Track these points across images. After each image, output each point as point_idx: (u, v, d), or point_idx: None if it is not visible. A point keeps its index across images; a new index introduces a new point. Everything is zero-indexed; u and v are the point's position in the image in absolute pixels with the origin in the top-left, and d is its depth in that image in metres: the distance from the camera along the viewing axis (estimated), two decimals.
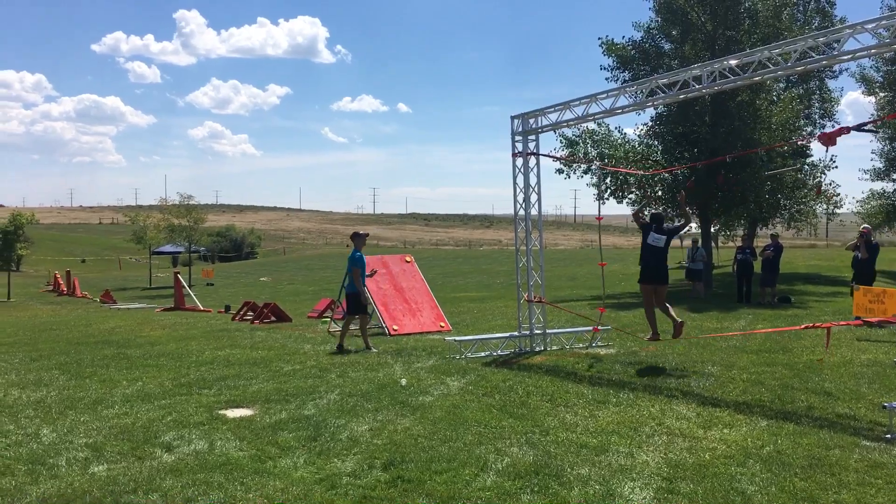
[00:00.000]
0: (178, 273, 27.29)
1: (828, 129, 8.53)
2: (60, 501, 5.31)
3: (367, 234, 12.99)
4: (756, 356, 10.97)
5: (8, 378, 10.41)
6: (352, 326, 13.22)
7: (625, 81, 23.95)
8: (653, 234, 10.86)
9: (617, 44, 24.88)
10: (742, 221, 28.26)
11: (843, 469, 5.71)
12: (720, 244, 34.32)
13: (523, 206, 12.30)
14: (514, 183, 12.34)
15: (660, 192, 25.00)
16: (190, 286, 27.74)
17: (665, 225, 11.09)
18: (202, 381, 9.78)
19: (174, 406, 8.31)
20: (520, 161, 12.26)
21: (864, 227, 16.06)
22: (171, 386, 9.53)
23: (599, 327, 12.37)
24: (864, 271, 15.03)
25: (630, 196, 24.57)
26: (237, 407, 8.28)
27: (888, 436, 6.54)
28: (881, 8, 30.97)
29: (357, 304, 12.76)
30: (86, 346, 13.84)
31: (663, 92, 10.36)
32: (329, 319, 16.60)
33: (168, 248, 45.90)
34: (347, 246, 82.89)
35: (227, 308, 22.52)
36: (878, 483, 5.39)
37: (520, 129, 12.17)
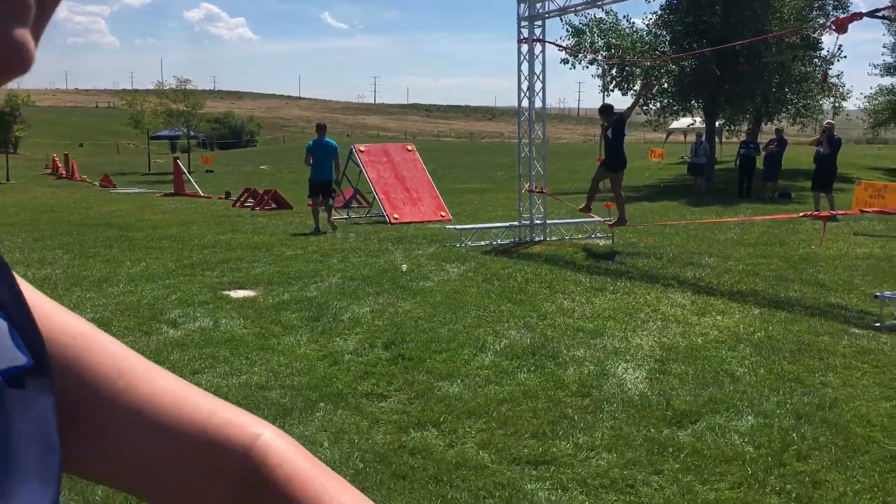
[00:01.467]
0: (178, 159, 27.17)
1: (841, 16, 8.30)
2: None
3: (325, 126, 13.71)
4: (753, 248, 11.08)
5: (12, 256, 10.52)
6: (352, 215, 13.29)
7: None
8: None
9: None
10: (747, 116, 27.91)
11: (830, 354, 5.88)
12: (724, 139, 33.99)
13: (527, 95, 12.12)
14: (519, 70, 12.12)
15: (665, 84, 24.58)
16: (189, 173, 27.67)
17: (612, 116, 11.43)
18: (205, 263, 9.90)
19: (178, 286, 8.45)
20: (525, 48, 12.00)
21: (827, 123, 16.09)
22: (174, 267, 9.66)
23: (607, 220, 12.41)
24: (826, 167, 15.07)
25: (635, 88, 24.17)
26: (240, 288, 8.42)
27: (877, 324, 6.70)
28: None
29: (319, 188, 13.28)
30: (88, 227, 13.93)
31: None
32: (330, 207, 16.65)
33: (166, 132, 45.50)
34: (348, 136, 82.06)
35: (228, 194, 22.54)
36: (864, 367, 5.57)
37: (526, 14, 11.86)
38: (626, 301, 7.80)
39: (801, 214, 9.86)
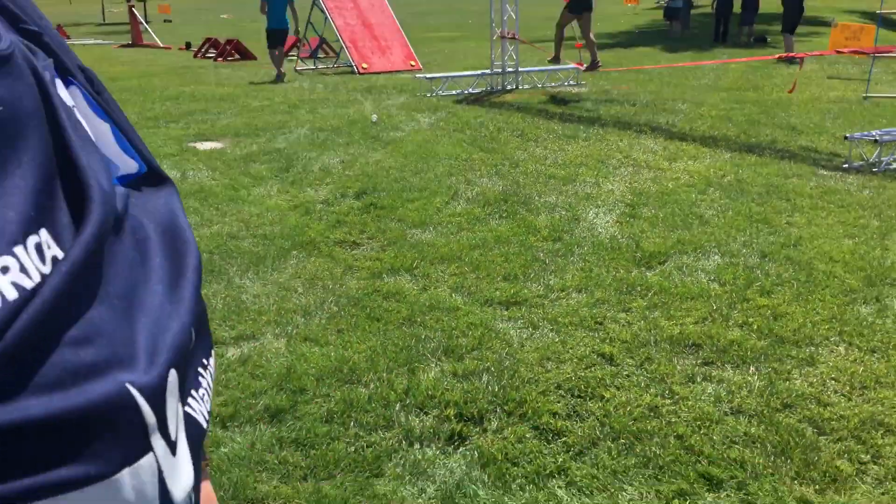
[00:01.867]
0: (133, 6, 25.87)
1: None
2: None
3: None
4: (727, 94, 10.99)
5: None
6: (319, 65, 12.90)
7: None
8: None
9: None
10: None
11: (798, 195, 5.95)
12: None
13: None
14: None
15: None
16: (147, 22, 26.43)
17: None
18: (169, 115, 9.64)
19: (142, 138, 8.23)
20: None
21: None
22: (136, 119, 9.39)
23: (579, 64, 12.16)
24: (793, 7, 14.73)
25: None
26: (207, 140, 8.25)
27: (845, 165, 6.76)
28: None
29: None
30: None
31: None
32: (296, 57, 16.11)
33: None
34: None
35: (188, 45, 21.66)
36: (830, 207, 5.66)
37: None
38: (598, 148, 7.77)
39: (777, 57, 9.72)
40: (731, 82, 12.07)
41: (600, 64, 11.42)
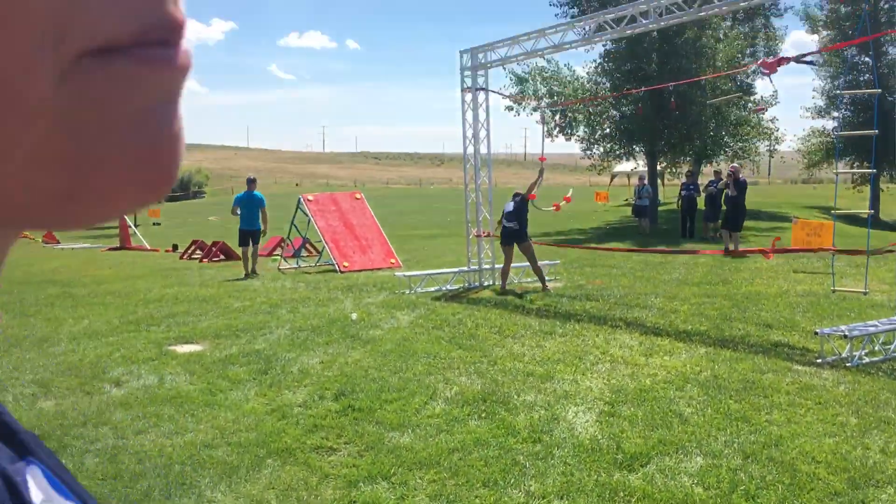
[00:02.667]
0: None
1: (770, 59, 8.66)
2: None
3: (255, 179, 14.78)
4: (698, 288, 11.30)
5: None
6: (302, 264, 13.23)
7: (573, 17, 23.83)
8: (507, 203, 11.72)
9: None
10: (687, 159, 28.69)
11: (775, 391, 5.99)
12: (666, 182, 34.81)
13: (472, 142, 12.29)
14: (464, 119, 12.30)
15: (608, 130, 25.17)
16: (136, 226, 27.23)
17: (514, 194, 11.79)
18: (150, 318, 9.71)
19: (122, 343, 8.26)
20: (469, 97, 12.20)
21: (732, 166, 16.84)
22: (118, 323, 9.45)
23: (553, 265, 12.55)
24: (734, 208, 15.74)
25: (578, 133, 24.71)
26: (187, 343, 8.27)
27: (818, 360, 6.86)
28: None
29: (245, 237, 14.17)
30: (29, 285, 13.56)
31: (611, 27, 10.36)
32: (279, 257, 16.53)
33: None
34: (297, 184, 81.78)
35: (175, 247, 22.20)
36: (808, 403, 5.68)
37: (469, 65, 12.08)
38: (575, 344, 7.86)
39: (724, 251, 10.07)
40: (702, 276, 12.45)
41: (549, 289, 11.60)
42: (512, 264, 11.91)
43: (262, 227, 14.25)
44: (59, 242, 27.81)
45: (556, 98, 23.52)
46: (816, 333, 7.18)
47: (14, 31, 0.26)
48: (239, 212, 14.14)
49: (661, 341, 7.85)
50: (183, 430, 5.37)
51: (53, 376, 6.90)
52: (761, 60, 9.27)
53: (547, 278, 12.56)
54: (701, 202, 20.68)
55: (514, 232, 11.53)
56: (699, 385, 6.23)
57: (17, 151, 0.28)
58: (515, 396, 6.03)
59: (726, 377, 6.43)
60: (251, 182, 14.54)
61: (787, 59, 8.45)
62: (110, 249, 23.03)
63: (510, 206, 11.69)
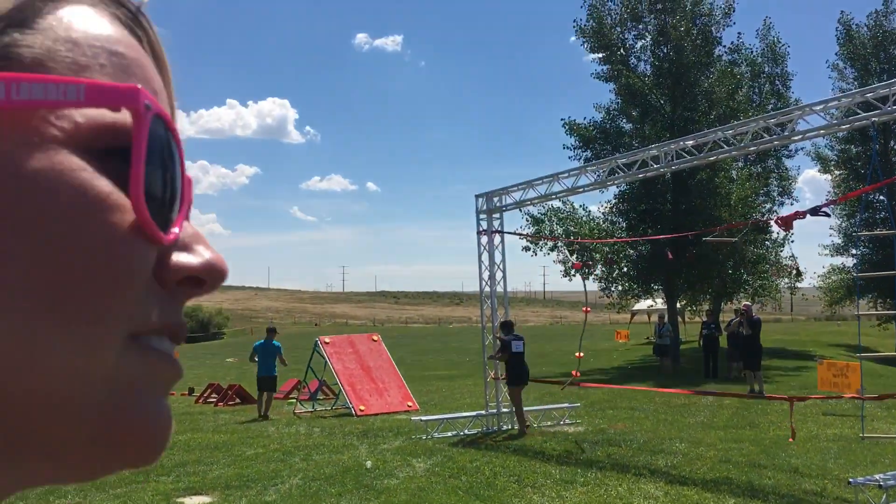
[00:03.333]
0: None
1: (784, 213, 8.79)
2: None
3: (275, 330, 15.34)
4: (723, 432, 10.95)
5: None
6: (318, 407, 13.05)
7: (587, 160, 24.52)
8: (514, 342, 11.52)
9: (579, 124, 25.58)
10: (707, 297, 28.61)
11: None
12: (687, 319, 34.59)
13: (489, 283, 12.35)
14: (480, 261, 12.43)
15: (625, 269, 25.30)
16: None
17: (514, 332, 11.75)
18: (160, 468, 9.47)
19: (129, 495, 8.03)
20: (485, 239, 12.38)
21: (744, 305, 16.74)
22: (126, 473, 9.19)
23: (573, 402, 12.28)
24: (751, 347, 15.48)
25: (596, 272, 24.83)
26: (196, 494, 8.03)
27: None
28: (832, 90, 32.27)
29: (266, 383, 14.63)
30: None
31: (623, 171, 10.61)
32: (295, 400, 16.32)
33: None
34: (316, 325, 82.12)
35: (191, 390, 22.02)
36: None
37: (484, 208, 12.33)
38: (597, 494, 7.54)
39: (746, 395, 9.83)
40: (727, 419, 12.10)
41: (526, 432, 11.52)
42: (527, 408, 11.70)
43: (281, 364, 14.74)
44: None
45: (571, 237, 23.82)
46: (850, 483, 6.85)
47: (117, 310, 0.34)
48: (257, 359, 14.61)
49: (688, 491, 7.52)
50: None
51: None
52: (776, 217, 9.41)
53: (568, 421, 12.27)
54: (723, 340, 20.43)
55: (527, 371, 11.61)
56: None
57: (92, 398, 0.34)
58: None
59: None
60: (271, 332, 15.06)
61: (803, 214, 8.52)
62: None
63: (521, 346, 11.56)
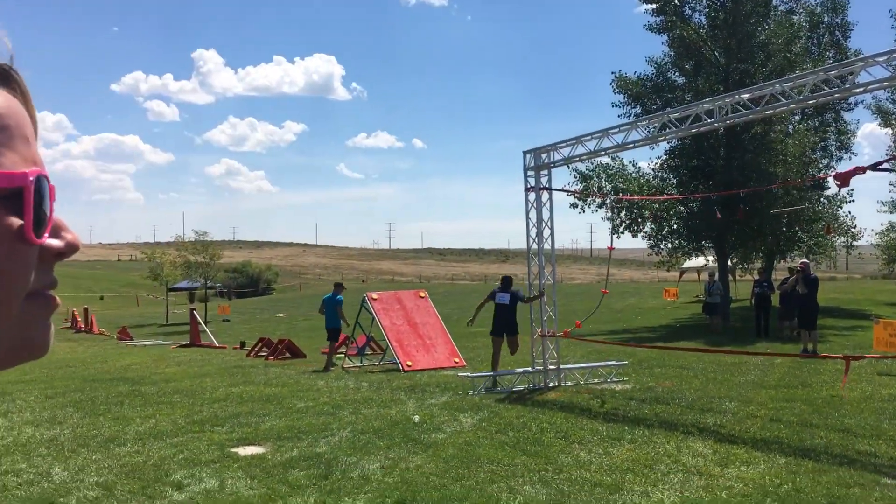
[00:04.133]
0: (194, 309, 27.39)
1: (842, 169, 8.49)
2: None
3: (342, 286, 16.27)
4: (774, 391, 10.81)
5: (23, 416, 10.43)
6: (366, 362, 13.21)
7: (636, 116, 24.04)
8: (498, 294, 12.59)
9: (629, 79, 25.04)
10: (759, 255, 28.06)
11: None
12: (738, 277, 34.00)
13: (536, 240, 12.29)
14: (527, 218, 12.35)
15: (675, 226, 24.92)
16: (206, 322, 27.82)
17: (511, 288, 12.64)
18: (215, 419, 9.75)
19: (186, 444, 8.28)
20: (532, 196, 12.27)
21: (801, 263, 16.20)
22: (183, 423, 9.51)
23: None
24: (807, 306, 15.04)
25: (645, 230, 24.52)
26: (249, 444, 8.23)
27: None
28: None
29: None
30: (101, 383, 13.87)
31: (675, 126, 10.38)
32: (343, 355, 16.57)
33: (184, 284, 46.14)
34: (363, 281, 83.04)
35: (243, 344, 22.53)
36: None
37: (532, 164, 12.21)
38: (644, 451, 7.54)
39: (799, 354, 9.66)
40: (779, 378, 11.94)
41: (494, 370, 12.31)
42: (573, 365, 11.69)
43: (343, 323, 15.57)
44: (132, 339, 28.58)
45: (620, 194, 23.50)
46: None
47: (19, 288, 0.59)
48: (324, 311, 15.63)
49: (737, 450, 7.46)
50: None
51: (117, 479, 6.92)
52: (834, 172, 9.11)
53: (615, 379, 12.22)
54: (775, 299, 20.08)
55: (509, 324, 12.40)
56: (779, 499, 5.85)
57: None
58: None
59: (809, 491, 6.03)
60: (337, 286, 15.97)
61: (862, 169, 8.23)
62: (180, 346, 23.50)
63: (505, 299, 12.40)
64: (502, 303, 12.44)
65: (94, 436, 8.90)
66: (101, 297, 68.72)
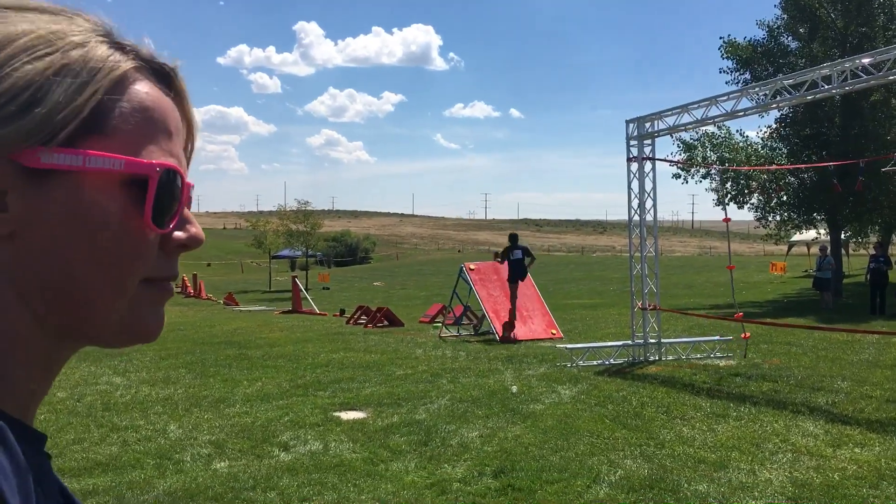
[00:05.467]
0: (296, 277, 28.20)
1: None
2: (185, 496, 5.55)
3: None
4: (891, 371, 10.29)
5: (140, 375, 11.02)
6: (462, 332, 13.28)
7: (745, 83, 23.06)
8: (513, 251, 14.96)
9: (738, 44, 24.01)
10: (876, 228, 26.62)
11: None
12: (851, 252, 32.39)
13: (638, 211, 12.02)
14: (629, 188, 12.08)
15: (784, 197, 23.91)
16: (307, 290, 28.60)
17: (519, 243, 15.18)
18: (317, 383, 10.03)
19: (291, 406, 8.56)
20: (634, 166, 11.99)
21: None
22: (288, 387, 9.83)
23: (724, 336, 11.87)
24: None
25: (752, 201, 23.63)
26: (350, 409, 8.44)
27: None
28: None
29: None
30: (210, 346, 14.48)
31: (788, 93, 9.90)
32: (440, 325, 16.73)
33: (286, 252, 47.54)
34: (459, 251, 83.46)
35: (342, 312, 23.07)
36: None
37: (635, 134, 11.91)
38: (751, 429, 7.31)
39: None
40: (895, 359, 11.34)
41: (511, 333, 14.37)
42: (675, 339, 11.40)
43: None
44: (238, 304, 29.69)
45: (727, 165, 22.67)
46: None
47: (133, 271, 0.61)
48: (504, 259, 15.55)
49: (851, 431, 7.15)
50: (345, 500, 5.41)
51: (228, 437, 7.22)
52: None
53: (718, 355, 11.89)
54: (893, 276, 19.04)
55: (524, 271, 14.90)
56: None
57: (122, 303, 0.61)
58: (686, 485, 5.65)
59: None
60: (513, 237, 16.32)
61: None
62: (283, 312, 24.25)
63: (518, 254, 14.85)
64: (517, 258, 14.84)
65: (205, 396, 9.31)
66: (209, 264, 71.63)
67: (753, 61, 23.71)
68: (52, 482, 0.59)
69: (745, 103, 10.40)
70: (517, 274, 14.80)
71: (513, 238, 15.39)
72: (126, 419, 8.09)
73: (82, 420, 8.05)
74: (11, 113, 0.54)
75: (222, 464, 6.35)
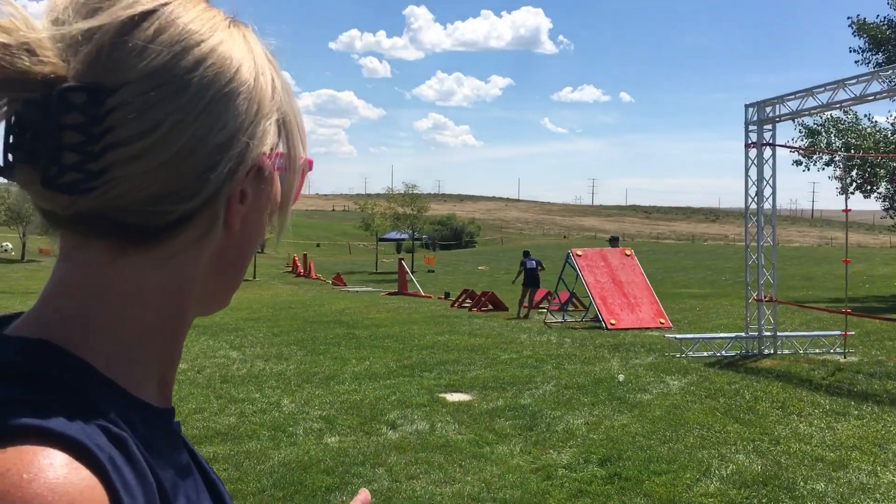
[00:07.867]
0: (402, 259, 28.64)
1: None
2: (298, 467, 5.76)
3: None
4: None
5: (254, 351, 11.47)
6: (568, 318, 13.16)
7: (878, 65, 21.74)
8: (527, 261, 17.55)
9: (870, 23, 22.65)
10: None
11: None
12: None
13: (755, 199, 11.57)
14: (746, 175, 11.63)
15: None
16: (412, 272, 29.01)
17: (531, 256, 17.96)
18: (423, 365, 10.18)
19: (398, 386, 8.73)
20: (753, 152, 11.53)
21: None
22: (395, 367, 10.02)
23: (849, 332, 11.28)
24: None
25: (879, 190, 22.34)
26: (456, 391, 8.53)
27: None
28: None
29: None
30: (319, 324, 14.92)
31: None
32: (545, 310, 16.65)
33: (393, 234, 48.35)
34: (565, 237, 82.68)
35: (447, 294, 23.29)
36: None
37: (754, 118, 11.44)
38: (873, 429, 6.96)
39: None
40: None
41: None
42: (792, 333, 10.94)
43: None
44: (345, 285, 30.42)
45: (853, 151, 21.49)
46: None
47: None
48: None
49: None
50: (451, 480, 5.49)
51: (338, 414, 7.44)
52: None
53: (838, 350, 11.34)
54: None
55: (537, 279, 17.33)
56: None
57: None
58: (802, 484, 5.44)
59: None
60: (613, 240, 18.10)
61: None
62: (389, 294, 24.70)
63: (533, 263, 17.34)
64: (531, 266, 17.37)
65: (316, 373, 9.62)
66: (318, 245, 73.66)
67: (887, 41, 22.34)
68: (180, 453, 0.60)
69: (876, 86, 9.81)
70: (532, 280, 17.29)
71: (527, 253, 18.50)
72: (243, 392, 8.45)
73: (202, 391, 8.47)
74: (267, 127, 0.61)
75: (333, 438, 6.56)
